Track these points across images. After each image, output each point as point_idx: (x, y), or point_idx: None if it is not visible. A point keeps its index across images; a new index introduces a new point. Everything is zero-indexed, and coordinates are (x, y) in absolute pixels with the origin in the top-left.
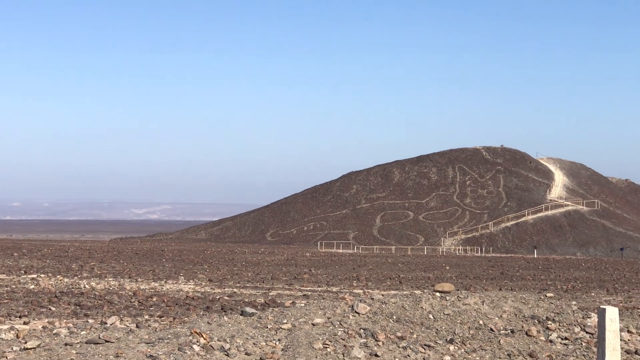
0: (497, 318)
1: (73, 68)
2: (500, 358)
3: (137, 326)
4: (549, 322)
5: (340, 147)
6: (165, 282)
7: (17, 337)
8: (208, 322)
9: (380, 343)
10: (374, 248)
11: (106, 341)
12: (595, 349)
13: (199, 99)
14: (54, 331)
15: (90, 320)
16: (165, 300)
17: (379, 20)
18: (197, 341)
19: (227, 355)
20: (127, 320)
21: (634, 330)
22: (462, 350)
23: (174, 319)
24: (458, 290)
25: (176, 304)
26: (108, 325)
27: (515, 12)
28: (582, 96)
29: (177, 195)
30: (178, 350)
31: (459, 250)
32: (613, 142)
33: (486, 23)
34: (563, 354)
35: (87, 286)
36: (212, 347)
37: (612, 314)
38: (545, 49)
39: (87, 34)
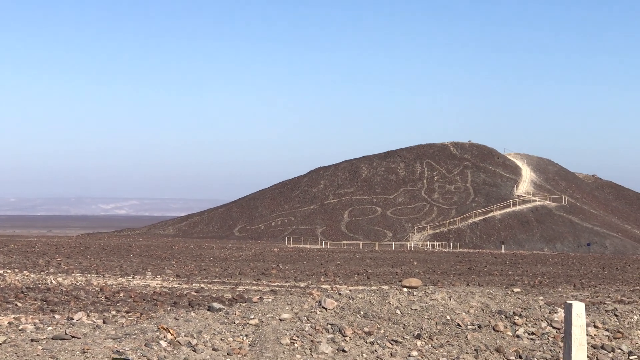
0: (464, 313)
1: (39, 60)
2: (467, 353)
3: (104, 322)
4: (516, 317)
5: (308, 142)
6: (133, 277)
7: None
8: (175, 318)
9: (348, 338)
10: (342, 243)
11: (73, 337)
12: (562, 344)
13: (167, 94)
14: (20, 327)
15: (57, 316)
16: (133, 296)
17: (347, 14)
18: (164, 337)
19: (194, 350)
20: (94, 316)
21: (600, 325)
22: (430, 345)
23: (141, 314)
24: (425, 285)
25: (143, 300)
26: (75, 321)
27: (481, 10)
28: (549, 92)
29: (145, 190)
30: (145, 345)
31: (426, 245)
32: (580, 137)
33: (453, 20)
34: (530, 349)
35: (53, 282)
36: (179, 342)
37: (578, 309)
38: (511, 46)
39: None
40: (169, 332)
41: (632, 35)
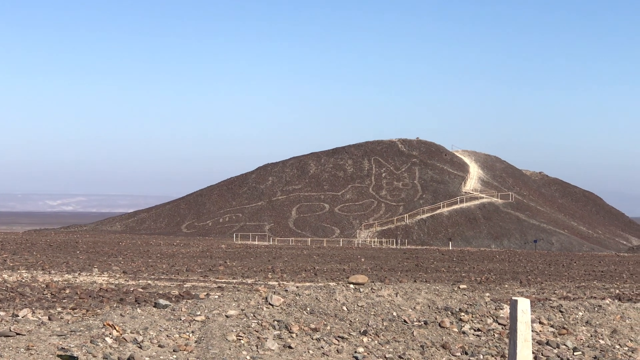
0: (410, 310)
1: None
2: (413, 349)
3: (50, 318)
4: (462, 314)
5: (256, 138)
6: (79, 274)
7: None
8: (121, 314)
9: (294, 335)
10: (290, 240)
11: (17, 334)
12: (507, 340)
13: (112, 88)
14: None
15: (2, 313)
16: (79, 293)
17: (294, 8)
18: (110, 333)
19: (140, 347)
20: (40, 313)
21: (545, 322)
22: (376, 341)
23: (87, 311)
24: (372, 282)
25: (89, 296)
26: (19, 317)
27: (429, 5)
28: (496, 89)
29: (92, 186)
30: (90, 342)
31: (374, 242)
32: (527, 135)
33: (401, 16)
34: (476, 345)
35: None
36: (124, 339)
37: (523, 305)
38: (459, 43)
39: None
40: (115, 328)
41: (578, 33)
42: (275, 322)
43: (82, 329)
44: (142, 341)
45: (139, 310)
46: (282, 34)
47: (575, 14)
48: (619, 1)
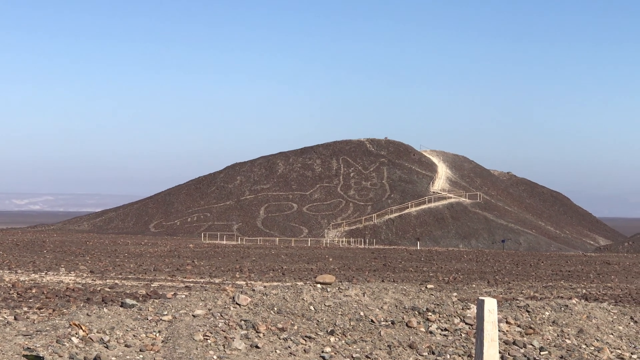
0: (377, 309)
1: None
2: (380, 349)
3: (15, 318)
4: (429, 314)
5: (224, 138)
6: (46, 273)
7: None
8: (87, 314)
9: (261, 335)
10: (258, 239)
11: None
12: (474, 340)
13: (76, 86)
14: None
15: None
16: (45, 292)
17: (267, 10)
18: (76, 333)
19: (107, 347)
20: (5, 313)
21: (512, 322)
22: (343, 341)
23: (54, 310)
24: (340, 282)
25: (56, 296)
26: None
27: (404, 9)
28: (464, 89)
29: (60, 185)
30: (56, 342)
31: (342, 242)
32: (495, 135)
33: (369, 15)
34: (443, 345)
35: None
36: (91, 339)
37: (490, 305)
38: (426, 43)
39: None
40: (81, 328)
41: (547, 35)
42: (243, 322)
43: (48, 328)
44: (109, 341)
45: (105, 309)
46: (251, 33)
47: (544, 17)
48: (581, 6)
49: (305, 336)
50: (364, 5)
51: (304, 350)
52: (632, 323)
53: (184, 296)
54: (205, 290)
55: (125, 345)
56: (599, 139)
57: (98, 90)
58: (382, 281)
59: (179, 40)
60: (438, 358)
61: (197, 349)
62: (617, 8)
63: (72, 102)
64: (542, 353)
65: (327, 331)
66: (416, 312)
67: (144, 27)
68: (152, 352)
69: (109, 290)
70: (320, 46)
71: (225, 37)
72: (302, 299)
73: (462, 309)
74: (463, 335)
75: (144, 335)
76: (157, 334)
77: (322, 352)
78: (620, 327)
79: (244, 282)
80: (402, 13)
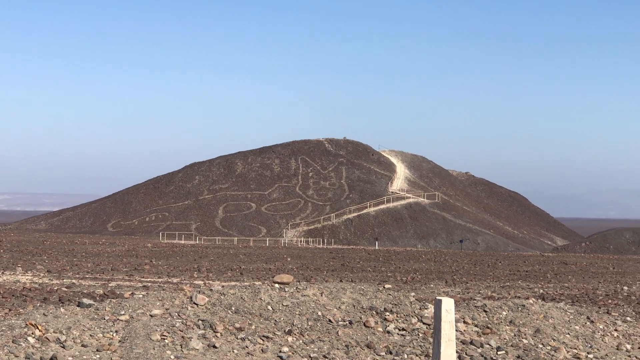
0: (335, 309)
1: None
2: (338, 349)
3: None
4: (387, 313)
5: (182, 137)
6: (2, 273)
7: None
8: (44, 314)
9: (219, 334)
10: (216, 239)
11: None
12: (431, 340)
13: (34, 86)
14: None
15: None
16: (1, 292)
17: (232, 11)
18: (33, 333)
19: (63, 347)
20: None
21: (469, 321)
22: (300, 341)
23: (10, 310)
24: (298, 281)
25: (12, 296)
26: None
27: (365, 10)
28: (423, 90)
29: (17, 185)
30: (12, 342)
31: (301, 241)
32: (454, 135)
33: (331, 20)
34: (400, 345)
35: None
36: (47, 338)
37: (448, 305)
38: (384, 44)
39: None
40: (38, 328)
41: (503, 36)
42: (200, 322)
43: (4, 328)
44: (65, 341)
45: (62, 309)
46: (209, 32)
47: (501, 18)
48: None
49: (263, 336)
50: (324, 4)
51: (262, 350)
52: (588, 323)
53: (141, 296)
54: (163, 290)
55: (82, 345)
56: (557, 140)
57: (55, 90)
58: (340, 281)
59: (140, 38)
60: (395, 358)
61: (154, 348)
62: (559, 8)
63: (28, 101)
64: (499, 353)
65: (284, 331)
66: (374, 312)
67: (101, 24)
68: (109, 352)
69: (66, 290)
70: (280, 46)
71: (185, 35)
72: (260, 299)
73: (420, 308)
74: (421, 335)
75: (101, 335)
76: (114, 334)
77: (280, 351)
78: (577, 327)
79: (202, 282)
80: (363, 12)
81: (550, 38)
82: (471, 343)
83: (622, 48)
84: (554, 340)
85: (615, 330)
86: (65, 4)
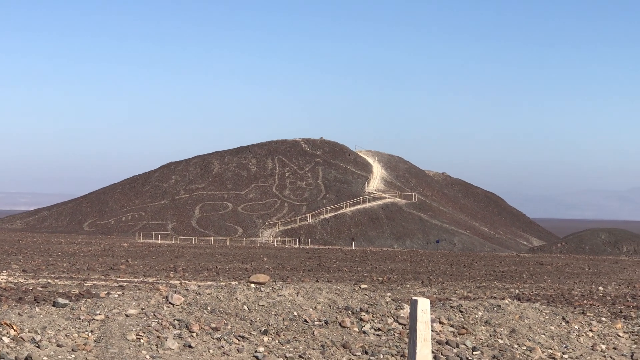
0: (311, 309)
1: None
2: (314, 349)
3: None
4: (363, 314)
5: (159, 137)
6: None
7: None
8: (19, 314)
9: (194, 334)
10: (193, 239)
11: None
12: (407, 340)
13: (11, 85)
14: None
15: None
16: None
17: (206, 10)
18: (7, 333)
19: (38, 346)
20: None
21: (445, 321)
22: (276, 341)
23: None
24: (274, 281)
25: None
26: None
27: (342, 8)
28: (400, 91)
29: None
30: None
31: (277, 241)
32: (431, 136)
33: (302, 16)
34: (376, 345)
35: None
36: (22, 338)
37: (423, 305)
38: (361, 44)
39: None
40: (12, 328)
41: (479, 35)
42: (176, 322)
43: None
44: (40, 340)
45: (37, 309)
46: (184, 30)
47: (472, 17)
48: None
49: (239, 336)
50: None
51: (237, 350)
52: (563, 323)
53: (117, 296)
54: (139, 289)
55: (57, 345)
56: (533, 141)
57: (28, 89)
58: (317, 281)
59: (115, 35)
60: (371, 358)
61: (129, 348)
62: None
63: (3, 101)
64: (474, 353)
65: (260, 331)
66: (350, 312)
67: (75, 22)
68: (84, 351)
69: (41, 289)
70: (256, 45)
71: (161, 34)
72: (236, 299)
73: (396, 309)
74: (396, 335)
75: (76, 334)
76: (90, 334)
77: (256, 351)
78: (552, 327)
79: (178, 282)
80: (333, 12)
81: (529, 38)
82: (447, 343)
83: (598, 49)
84: (529, 340)
85: (591, 330)
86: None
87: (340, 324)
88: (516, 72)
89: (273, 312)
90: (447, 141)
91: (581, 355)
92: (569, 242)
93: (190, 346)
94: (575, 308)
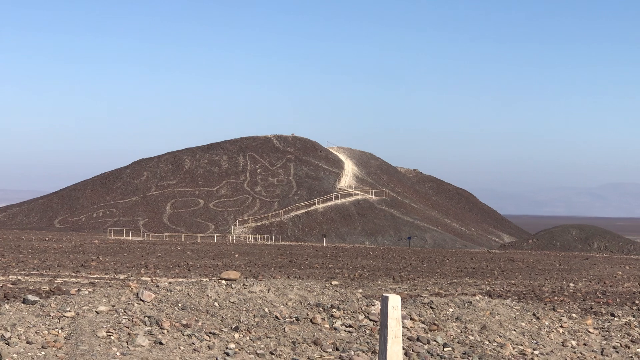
0: (282, 306)
1: None
2: (285, 346)
3: None
4: (334, 310)
5: (130, 133)
6: None
7: None
8: None
9: (165, 331)
10: (164, 235)
11: None
12: (378, 336)
13: None
14: None
15: None
16: None
17: (187, 8)
18: None
19: (8, 344)
20: None
21: (416, 318)
22: (247, 337)
23: None
24: (245, 278)
25: None
26: None
27: (316, 6)
28: (371, 88)
29: None
30: None
31: (249, 238)
32: (401, 133)
33: (280, 15)
34: (347, 341)
35: None
36: None
37: (394, 301)
38: (333, 41)
39: None
40: None
41: (450, 34)
42: (146, 318)
43: None
44: (10, 337)
45: (7, 306)
46: (157, 29)
47: (441, 15)
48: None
49: (210, 332)
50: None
51: (208, 346)
52: (534, 319)
53: (87, 292)
54: (110, 286)
55: (27, 342)
56: (505, 138)
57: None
58: (288, 277)
59: (81, 33)
60: (342, 354)
61: (100, 345)
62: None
63: None
64: (445, 349)
65: (231, 327)
66: (321, 309)
67: (39, 17)
68: (54, 348)
69: (11, 286)
70: (227, 41)
71: (130, 31)
72: (207, 295)
73: (367, 305)
74: (367, 331)
75: (46, 331)
76: (60, 331)
77: (227, 348)
78: (523, 324)
79: (149, 278)
80: (307, 8)
81: (508, 35)
82: (418, 339)
83: (576, 47)
84: (500, 336)
85: (561, 326)
86: None
87: (311, 321)
88: (487, 70)
89: (244, 309)
90: (419, 138)
91: (552, 351)
92: (540, 238)
93: (161, 343)
94: (545, 304)
